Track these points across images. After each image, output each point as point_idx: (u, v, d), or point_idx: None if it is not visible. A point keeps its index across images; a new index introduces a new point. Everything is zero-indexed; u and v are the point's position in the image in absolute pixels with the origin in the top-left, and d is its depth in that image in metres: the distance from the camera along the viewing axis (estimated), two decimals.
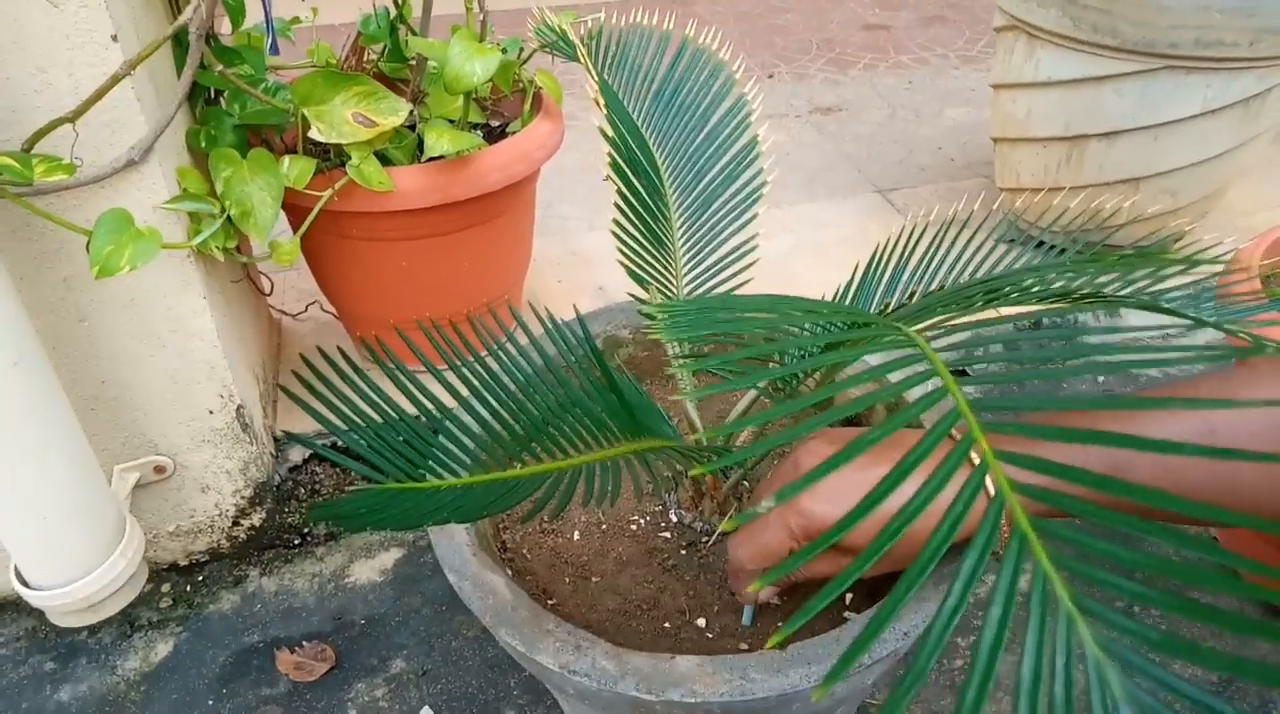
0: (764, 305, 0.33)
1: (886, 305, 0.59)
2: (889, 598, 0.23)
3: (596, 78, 0.64)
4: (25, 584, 0.78)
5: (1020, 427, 0.25)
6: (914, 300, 0.55)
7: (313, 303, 1.21)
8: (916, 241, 0.59)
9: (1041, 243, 1.27)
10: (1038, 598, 0.22)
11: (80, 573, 0.78)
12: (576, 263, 1.39)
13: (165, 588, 0.98)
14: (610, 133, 0.60)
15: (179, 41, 0.79)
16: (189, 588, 0.98)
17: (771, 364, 0.55)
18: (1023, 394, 0.53)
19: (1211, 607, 0.22)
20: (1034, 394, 1.15)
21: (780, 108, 1.95)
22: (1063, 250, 0.65)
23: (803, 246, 1.43)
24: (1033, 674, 0.21)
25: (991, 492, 0.24)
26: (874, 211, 1.55)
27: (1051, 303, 0.48)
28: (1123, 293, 0.51)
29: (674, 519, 0.66)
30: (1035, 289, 0.48)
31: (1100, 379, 1.23)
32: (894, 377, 0.31)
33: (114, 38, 0.68)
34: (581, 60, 0.66)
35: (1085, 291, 0.48)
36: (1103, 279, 0.49)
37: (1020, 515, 0.23)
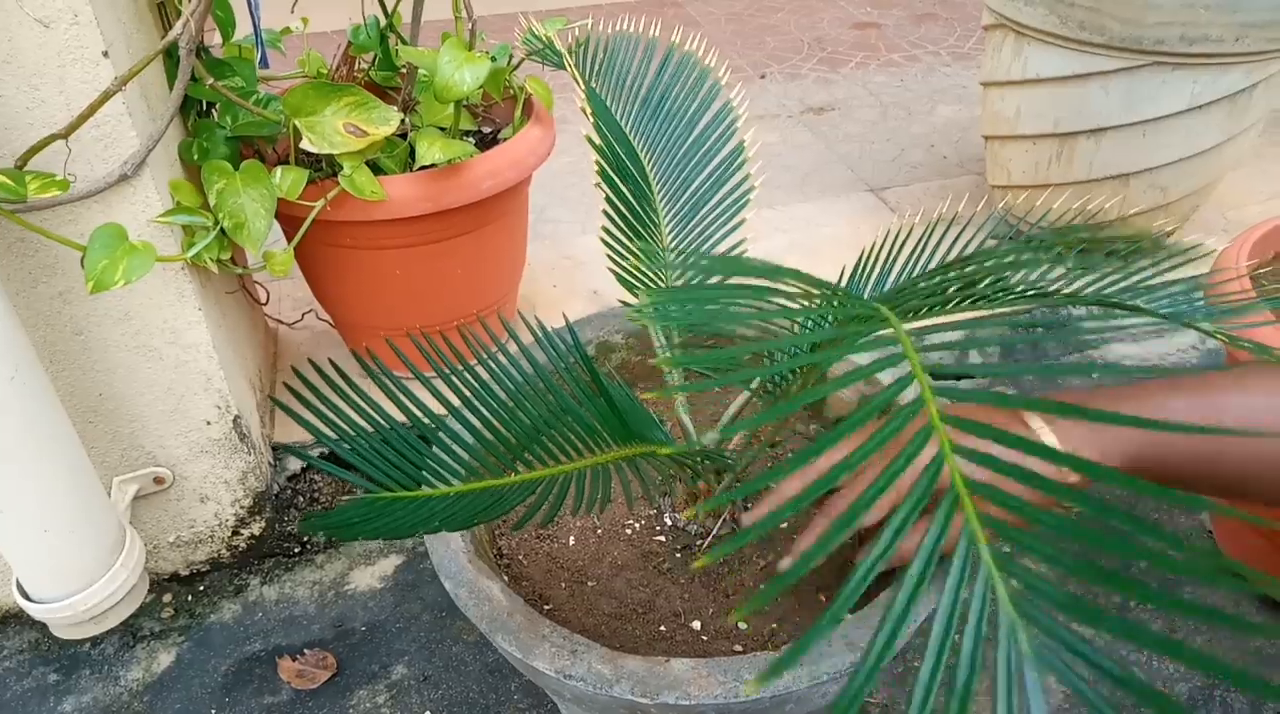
0: (752, 269, 0.33)
1: None
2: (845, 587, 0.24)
3: (584, 86, 0.65)
4: (27, 597, 0.79)
5: (983, 395, 0.26)
6: (903, 290, 0.56)
7: (308, 311, 1.21)
8: (903, 242, 0.60)
9: (1032, 239, 1.27)
10: (960, 556, 0.23)
11: (82, 585, 0.78)
12: (571, 267, 1.40)
13: (167, 598, 0.99)
14: (598, 141, 0.60)
15: (170, 55, 0.80)
16: (190, 598, 0.99)
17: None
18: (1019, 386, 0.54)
19: (1134, 580, 0.22)
20: (1029, 388, 1.15)
21: (772, 108, 1.95)
22: (1058, 250, 0.66)
23: (796, 247, 1.44)
24: (943, 629, 0.22)
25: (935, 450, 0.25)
26: (867, 210, 1.55)
27: (1034, 300, 0.48)
28: (1105, 292, 0.52)
29: (668, 523, 0.66)
30: (1019, 288, 0.49)
31: (1095, 376, 1.24)
32: (860, 358, 0.32)
33: (105, 54, 0.69)
34: (569, 69, 0.67)
35: (1068, 291, 0.49)
36: (1085, 280, 0.50)
37: (958, 479, 0.23)
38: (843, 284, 0.58)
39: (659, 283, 0.64)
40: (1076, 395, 0.53)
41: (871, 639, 0.23)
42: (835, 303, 0.31)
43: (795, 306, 0.31)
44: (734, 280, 0.31)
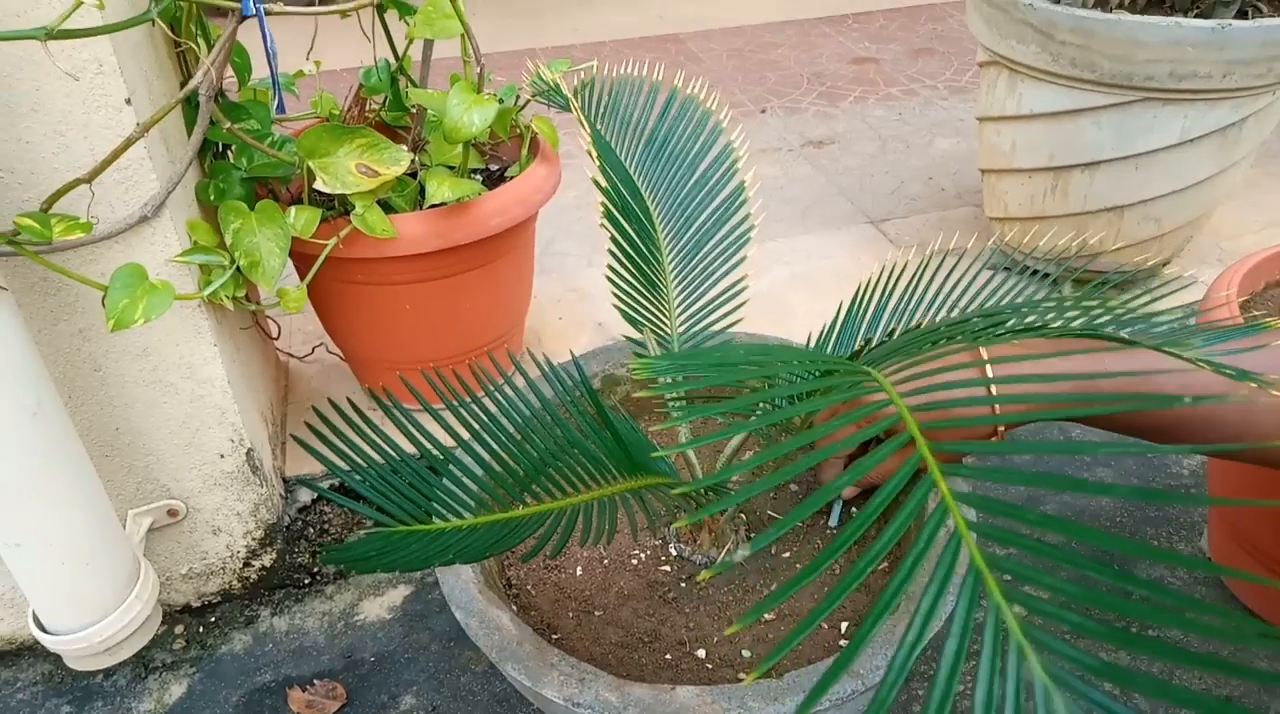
0: (741, 358, 0.35)
1: (869, 340, 0.61)
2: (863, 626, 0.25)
3: (589, 129, 0.67)
4: (43, 629, 0.80)
5: (970, 470, 0.28)
6: (894, 336, 0.58)
7: (319, 345, 1.23)
8: (898, 278, 0.62)
9: (1035, 272, 1.30)
10: (991, 630, 0.24)
11: (96, 617, 0.80)
12: (576, 299, 1.42)
13: (178, 629, 1.00)
14: (603, 182, 0.62)
15: (189, 101, 0.83)
16: (201, 629, 1.00)
17: (760, 408, 0.57)
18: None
19: (1149, 638, 0.24)
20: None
21: (773, 142, 1.99)
22: (1054, 279, 0.68)
23: (798, 279, 1.46)
24: (985, 700, 0.23)
25: (950, 528, 0.26)
26: (867, 242, 1.57)
27: (1026, 335, 0.50)
28: (1096, 325, 0.54)
29: (673, 553, 0.68)
30: (1011, 324, 0.51)
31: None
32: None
33: (128, 101, 0.71)
34: (574, 112, 0.69)
35: (1057, 325, 0.50)
36: (1070, 314, 0.51)
37: (975, 553, 0.25)
38: (839, 323, 0.60)
39: (663, 318, 0.66)
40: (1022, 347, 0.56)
41: (901, 639, 0.24)
42: (826, 369, 0.33)
43: (788, 376, 0.33)
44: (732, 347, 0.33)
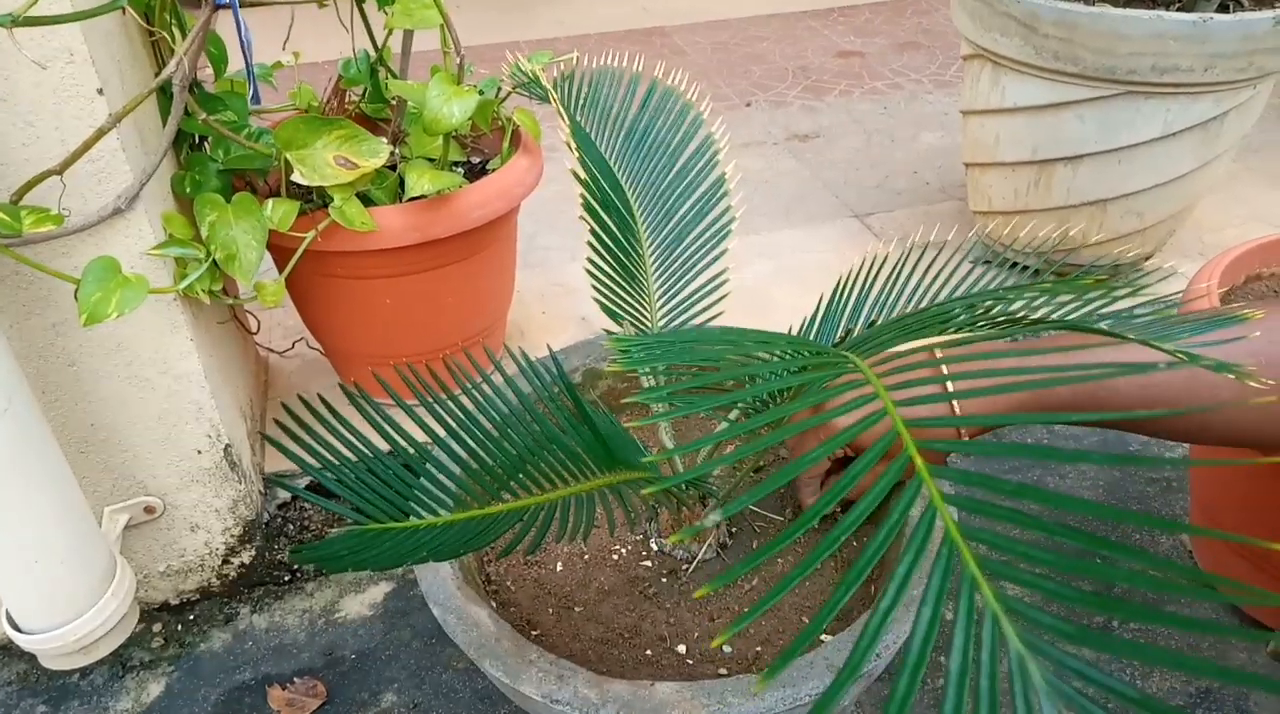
0: (721, 339, 0.34)
1: (851, 330, 0.61)
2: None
3: (568, 121, 0.66)
4: (16, 628, 0.79)
5: (954, 444, 0.27)
6: (876, 326, 0.57)
7: (299, 340, 1.22)
8: (879, 270, 0.62)
9: (1016, 264, 1.29)
10: (965, 599, 0.24)
11: (72, 616, 0.79)
12: (560, 293, 1.41)
13: (156, 628, 0.99)
14: (583, 174, 0.62)
15: (164, 92, 0.81)
16: (180, 627, 0.99)
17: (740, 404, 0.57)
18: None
19: (1091, 593, 0.23)
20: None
21: (758, 135, 1.98)
22: (1036, 272, 0.68)
23: (782, 272, 1.46)
24: (960, 667, 0.23)
25: (923, 505, 0.26)
26: (851, 236, 1.57)
27: (1004, 327, 0.50)
28: (1074, 316, 0.53)
29: (654, 548, 0.67)
30: (994, 315, 0.50)
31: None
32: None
33: (99, 91, 0.70)
34: (553, 104, 0.69)
35: (1036, 316, 0.50)
36: (1055, 303, 0.51)
37: (950, 525, 0.25)
38: (820, 315, 0.59)
39: (644, 311, 0.65)
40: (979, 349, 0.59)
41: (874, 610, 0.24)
42: (806, 353, 0.32)
43: (766, 358, 0.33)
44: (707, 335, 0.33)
